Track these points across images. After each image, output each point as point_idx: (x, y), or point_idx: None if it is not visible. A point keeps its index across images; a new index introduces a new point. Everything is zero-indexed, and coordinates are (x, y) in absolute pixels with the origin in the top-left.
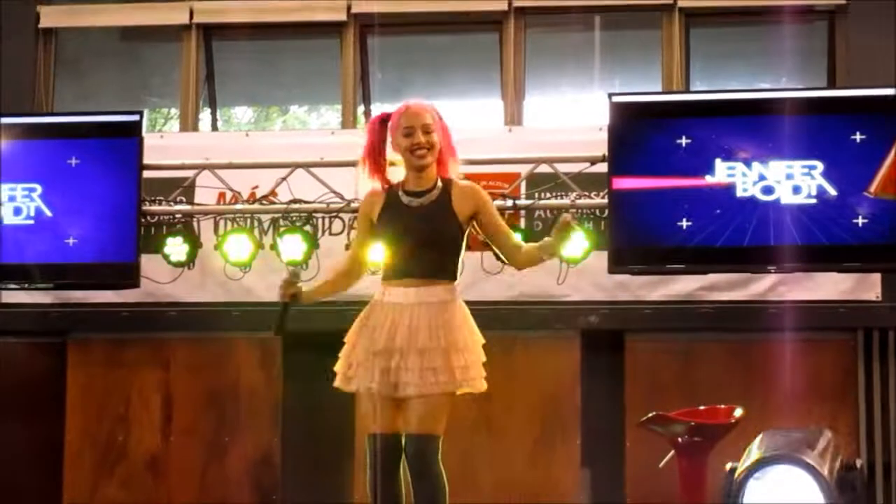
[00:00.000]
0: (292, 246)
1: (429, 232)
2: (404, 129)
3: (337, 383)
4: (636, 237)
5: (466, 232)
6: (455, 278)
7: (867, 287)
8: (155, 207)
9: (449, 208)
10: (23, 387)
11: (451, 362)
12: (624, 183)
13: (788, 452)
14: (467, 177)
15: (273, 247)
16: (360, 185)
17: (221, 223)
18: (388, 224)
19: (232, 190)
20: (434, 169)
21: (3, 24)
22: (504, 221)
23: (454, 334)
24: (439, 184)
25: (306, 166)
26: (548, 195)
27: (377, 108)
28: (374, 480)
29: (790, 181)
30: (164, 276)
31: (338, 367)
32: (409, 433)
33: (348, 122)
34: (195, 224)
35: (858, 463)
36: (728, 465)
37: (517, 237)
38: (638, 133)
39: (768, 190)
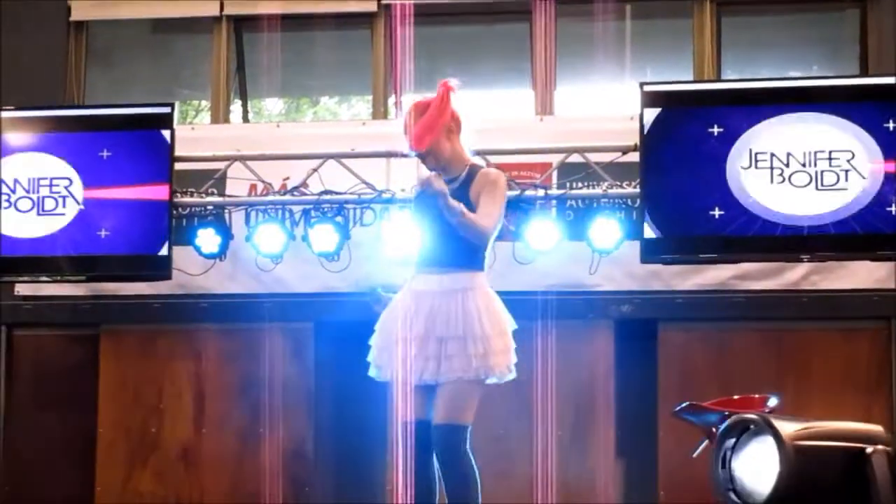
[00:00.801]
0: (323, 237)
1: (443, 222)
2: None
3: (371, 373)
4: (668, 226)
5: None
6: (480, 267)
7: None
8: (186, 199)
9: (466, 197)
10: (56, 378)
11: (467, 350)
12: (655, 172)
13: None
14: (499, 166)
15: (304, 238)
16: (391, 176)
17: (253, 214)
18: (417, 212)
19: (263, 181)
20: (458, 157)
21: (34, 16)
22: (491, 203)
23: (473, 322)
24: (465, 172)
25: (337, 157)
26: (579, 185)
27: (407, 99)
28: (406, 468)
29: (823, 169)
30: (195, 267)
31: (370, 357)
32: (434, 423)
33: (379, 112)
34: (226, 215)
35: (869, 449)
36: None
37: (483, 211)
38: (670, 122)
39: (801, 178)
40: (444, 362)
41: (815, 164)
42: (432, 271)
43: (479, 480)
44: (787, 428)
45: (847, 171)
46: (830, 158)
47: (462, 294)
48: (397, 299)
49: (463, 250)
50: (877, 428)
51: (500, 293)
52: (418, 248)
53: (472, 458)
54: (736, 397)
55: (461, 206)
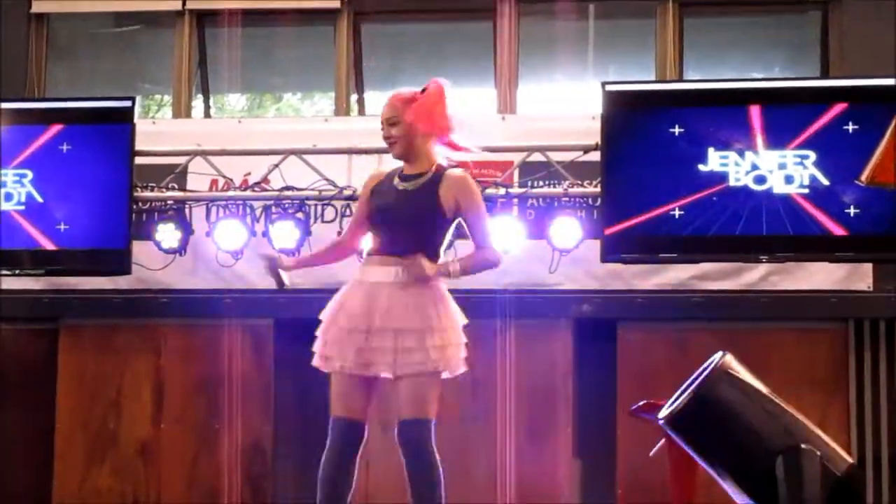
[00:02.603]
0: (284, 233)
1: (409, 214)
2: (381, 124)
3: (315, 363)
4: (629, 226)
5: (454, 221)
6: (436, 259)
7: (859, 277)
8: (147, 194)
9: (434, 195)
10: (14, 372)
11: (425, 343)
12: (616, 171)
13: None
14: (461, 164)
15: (265, 234)
16: (353, 173)
17: (213, 210)
18: (375, 204)
19: (224, 177)
20: (426, 155)
21: None
22: (484, 224)
23: (430, 315)
24: (432, 170)
25: (299, 153)
26: (541, 183)
27: (370, 96)
28: (331, 464)
29: (783, 171)
30: (155, 262)
31: (315, 347)
32: (400, 419)
33: (342, 109)
34: (187, 210)
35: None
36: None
37: (484, 241)
38: (631, 122)
39: (761, 179)
40: (402, 355)
41: (775, 165)
42: (388, 262)
43: (442, 477)
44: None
45: (807, 172)
46: (790, 159)
47: (418, 287)
48: (348, 290)
49: (417, 243)
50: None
51: (459, 291)
52: (372, 238)
53: (436, 453)
54: None
55: (465, 264)
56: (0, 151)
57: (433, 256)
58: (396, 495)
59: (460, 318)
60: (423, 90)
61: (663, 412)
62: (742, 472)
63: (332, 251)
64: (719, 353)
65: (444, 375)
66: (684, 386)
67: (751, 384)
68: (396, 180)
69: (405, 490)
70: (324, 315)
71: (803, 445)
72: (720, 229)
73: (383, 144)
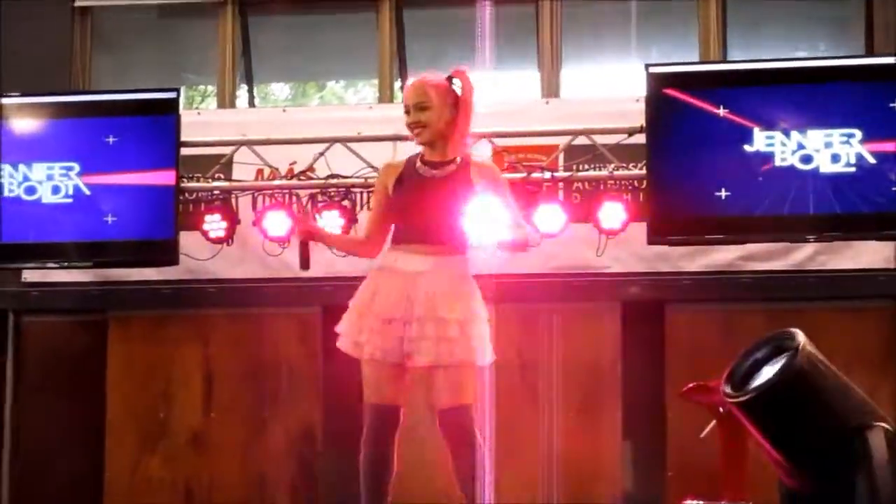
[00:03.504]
0: (331, 220)
1: (448, 201)
2: (404, 107)
3: (346, 348)
4: (675, 208)
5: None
6: (467, 250)
7: None
8: (193, 184)
9: (468, 182)
10: (65, 364)
11: (468, 332)
12: (662, 154)
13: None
14: (506, 149)
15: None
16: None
17: (259, 199)
18: (405, 192)
19: (270, 166)
20: (451, 143)
21: (38, 2)
22: (512, 209)
23: (470, 305)
24: (458, 159)
25: (344, 141)
26: (586, 167)
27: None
28: (371, 450)
29: (829, 149)
30: (203, 252)
31: (343, 330)
32: (441, 407)
33: (385, 96)
34: (233, 200)
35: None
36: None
37: (522, 223)
38: (675, 103)
39: (807, 159)
40: (445, 344)
41: (821, 144)
42: (425, 250)
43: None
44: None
45: (853, 150)
46: (836, 138)
47: (459, 276)
48: (381, 278)
49: (455, 231)
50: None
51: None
52: (400, 227)
53: (479, 437)
54: None
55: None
56: (44, 145)
57: (467, 243)
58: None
59: (485, 311)
60: (450, 78)
61: (731, 392)
62: (819, 452)
63: (360, 245)
64: (792, 330)
65: (480, 363)
66: (743, 365)
67: (827, 362)
68: (422, 168)
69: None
70: (354, 301)
71: (879, 423)
72: (767, 209)
73: None
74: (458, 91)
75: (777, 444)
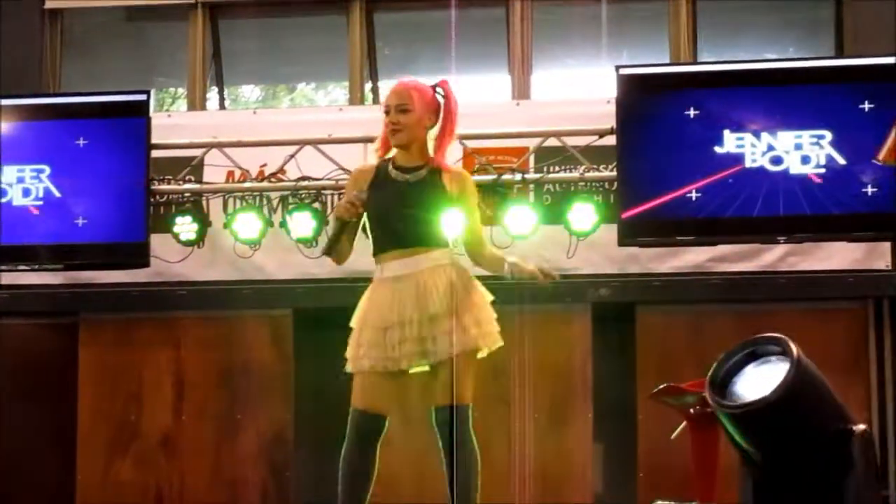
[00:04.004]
0: (301, 223)
1: (420, 202)
2: (384, 107)
3: (349, 368)
4: (645, 209)
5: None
6: (447, 243)
7: (877, 256)
8: (164, 186)
9: (440, 184)
10: (35, 367)
11: (462, 321)
12: (632, 155)
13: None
14: (476, 151)
15: (282, 224)
16: (368, 162)
17: (230, 201)
18: (379, 198)
19: (240, 168)
20: (424, 148)
21: (9, 4)
22: (477, 219)
23: (460, 295)
24: (430, 164)
25: (314, 143)
26: (557, 168)
27: (384, 85)
28: (351, 456)
29: (799, 151)
30: (173, 255)
31: (348, 354)
32: (438, 406)
33: (356, 98)
34: (204, 203)
35: (857, 428)
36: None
37: (483, 237)
38: (646, 105)
39: (777, 160)
40: (441, 338)
41: (792, 146)
42: (403, 254)
43: (479, 463)
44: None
45: (823, 152)
46: (806, 139)
47: (442, 269)
48: (372, 291)
49: (430, 229)
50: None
51: (478, 277)
52: (377, 235)
53: (474, 439)
54: None
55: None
56: (14, 147)
57: (446, 244)
58: (412, 486)
59: (488, 295)
60: (435, 87)
61: (724, 402)
62: (805, 457)
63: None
64: (775, 336)
65: (481, 354)
66: (720, 371)
67: (814, 367)
68: (394, 172)
69: (420, 480)
70: (354, 321)
71: (859, 426)
72: (737, 211)
73: None
74: (441, 100)
75: (763, 451)
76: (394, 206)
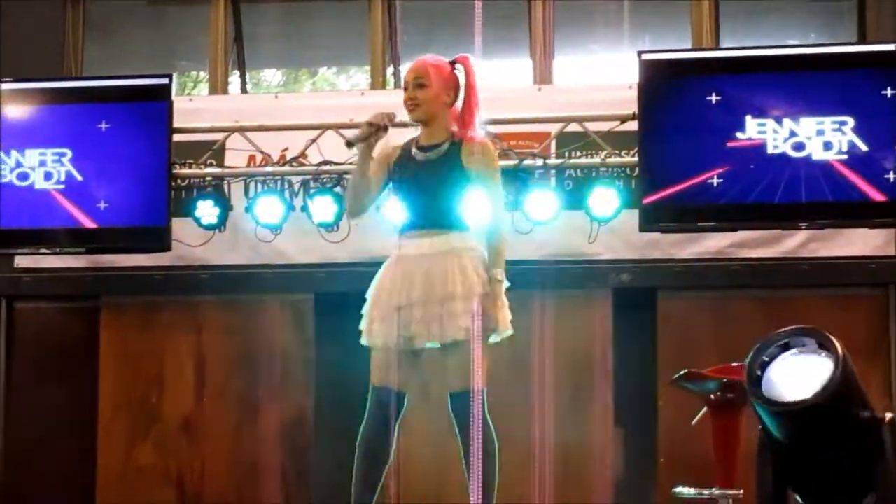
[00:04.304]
0: (323, 207)
1: (435, 183)
2: (403, 83)
3: (363, 341)
4: (667, 195)
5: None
6: (468, 227)
7: None
8: (185, 171)
9: (457, 161)
10: (56, 351)
11: (471, 306)
12: (654, 141)
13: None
14: (498, 136)
15: (304, 208)
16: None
17: (252, 185)
18: (399, 177)
19: (262, 152)
20: (446, 124)
21: None
22: (499, 199)
23: (472, 279)
24: (452, 139)
25: (336, 128)
26: (578, 154)
27: (406, 69)
28: (368, 433)
29: (821, 137)
30: (195, 239)
31: (362, 326)
32: (452, 391)
33: (377, 82)
34: (226, 187)
35: (888, 416)
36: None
37: (496, 218)
38: (668, 91)
39: (799, 146)
40: (450, 321)
41: (814, 132)
42: (422, 234)
43: (497, 447)
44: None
45: (845, 138)
46: (829, 125)
47: (458, 253)
48: (388, 266)
49: (449, 212)
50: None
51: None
52: (402, 212)
53: (491, 424)
54: (734, 364)
55: (498, 265)
56: (36, 131)
57: (466, 226)
58: (432, 466)
59: (504, 282)
60: (453, 63)
61: (769, 398)
62: (845, 446)
63: (364, 196)
64: (823, 332)
65: (493, 339)
66: (755, 364)
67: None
68: (416, 151)
69: (441, 461)
70: (368, 293)
71: (890, 414)
72: (759, 197)
73: None
74: (461, 76)
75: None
76: (413, 185)
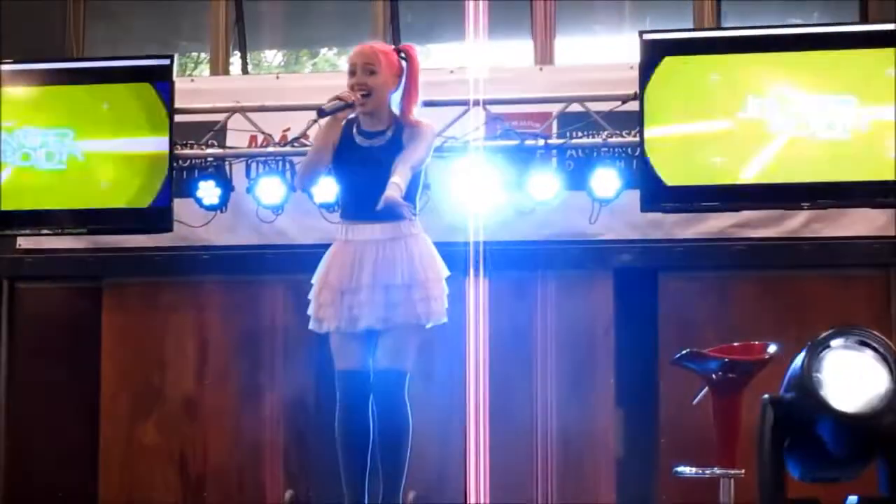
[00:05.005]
0: (324, 188)
1: (384, 171)
2: (349, 67)
3: (311, 326)
4: (668, 175)
5: (423, 169)
6: (414, 214)
7: None
8: (187, 151)
9: (400, 145)
10: (58, 331)
11: (412, 296)
12: (656, 121)
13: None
14: (499, 116)
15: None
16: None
17: (253, 166)
18: (343, 162)
19: (263, 133)
20: (389, 111)
21: None
22: (416, 156)
23: (416, 270)
24: (394, 124)
25: None
26: (579, 134)
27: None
28: (343, 416)
29: (824, 117)
30: (196, 219)
31: (310, 311)
32: (376, 369)
33: None
34: (227, 167)
35: None
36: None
37: (403, 168)
38: (669, 70)
39: (801, 126)
40: (390, 309)
41: (816, 112)
42: (369, 220)
43: (411, 428)
44: None
45: (848, 118)
46: (831, 105)
47: (404, 241)
48: (335, 251)
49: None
50: None
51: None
52: (344, 198)
53: (408, 405)
54: (736, 345)
55: (399, 186)
56: (39, 111)
57: (413, 208)
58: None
59: (444, 271)
60: (398, 51)
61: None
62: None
63: (318, 164)
64: (884, 339)
65: (429, 325)
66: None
67: None
68: (359, 137)
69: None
70: (315, 278)
71: None
72: (761, 177)
73: None
74: (404, 65)
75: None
76: (357, 173)
